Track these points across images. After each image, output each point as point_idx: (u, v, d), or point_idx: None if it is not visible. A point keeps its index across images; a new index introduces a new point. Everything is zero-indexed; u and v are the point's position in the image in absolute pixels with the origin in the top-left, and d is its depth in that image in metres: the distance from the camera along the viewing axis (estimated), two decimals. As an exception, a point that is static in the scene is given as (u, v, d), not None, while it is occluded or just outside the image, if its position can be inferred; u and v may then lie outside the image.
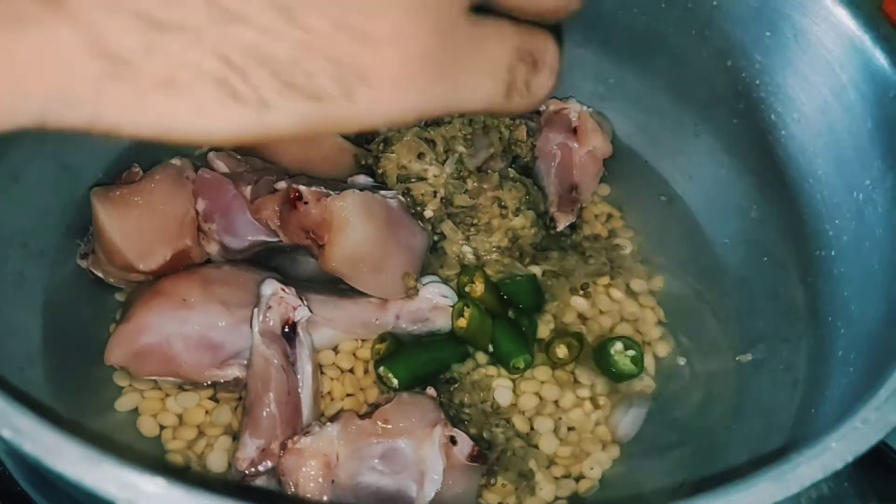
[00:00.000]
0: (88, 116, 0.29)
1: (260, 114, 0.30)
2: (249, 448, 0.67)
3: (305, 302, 0.71)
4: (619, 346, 0.76)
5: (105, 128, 0.29)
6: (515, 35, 0.36)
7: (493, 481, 0.71)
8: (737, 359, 0.79)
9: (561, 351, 0.76)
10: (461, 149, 0.82)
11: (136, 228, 0.73)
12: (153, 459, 0.69)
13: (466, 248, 0.80)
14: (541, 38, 0.37)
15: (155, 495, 0.36)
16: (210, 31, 0.28)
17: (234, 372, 0.71)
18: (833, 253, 0.73)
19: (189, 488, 0.36)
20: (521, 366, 0.76)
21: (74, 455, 0.36)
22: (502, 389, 0.75)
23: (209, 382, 0.72)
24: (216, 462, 0.70)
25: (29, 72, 0.27)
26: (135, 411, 0.72)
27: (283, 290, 0.70)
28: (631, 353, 0.76)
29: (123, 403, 0.72)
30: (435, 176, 0.80)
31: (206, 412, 0.72)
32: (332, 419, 0.68)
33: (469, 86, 0.34)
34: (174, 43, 0.28)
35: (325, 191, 0.73)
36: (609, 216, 0.90)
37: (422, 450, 0.66)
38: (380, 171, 0.82)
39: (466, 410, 0.73)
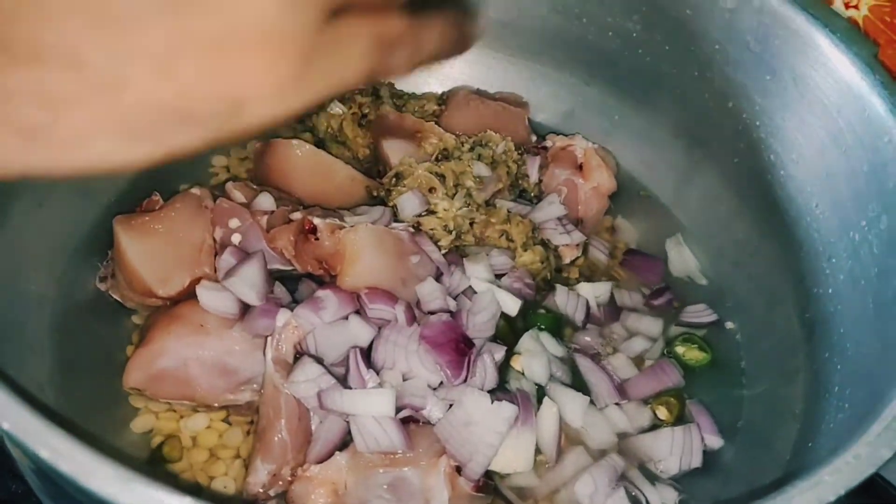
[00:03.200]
0: (19, 170, 0.36)
1: (158, 145, 0.36)
2: (261, 473, 0.69)
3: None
4: (680, 349, 0.82)
5: (35, 175, 0.36)
6: (367, 27, 0.41)
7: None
8: (736, 392, 0.81)
9: (662, 413, 0.79)
10: (470, 183, 0.85)
11: (156, 255, 0.76)
12: (169, 479, 0.70)
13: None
14: (392, 23, 0.42)
15: (184, 515, 0.38)
16: (100, 100, 0.34)
17: (247, 396, 0.73)
18: (830, 291, 0.75)
19: (216, 509, 0.38)
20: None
21: (109, 475, 0.38)
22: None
23: (223, 405, 0.74)
24: (228, 484, 0.71)
25: None
26: (149, 432, 0.74)
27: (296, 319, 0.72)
28: (694, 346, 0.82)
29: (139, 424, 0.74)
30: (445, 210, 0.82)
31: (219, 435, 0.74)
32: (342, 448, 0.69)
33: (336, 78, 0.40)
34: (74, 112, 0.34)
35: (338, 223, 0.76)
36: (613, 247, 0.92)
37: (428, 479, 0.68)
38: (391, 204, 0.84)
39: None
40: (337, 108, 0.94)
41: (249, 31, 0.35)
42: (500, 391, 0.73)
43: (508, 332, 0.80)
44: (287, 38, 0.36)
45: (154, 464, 0.72)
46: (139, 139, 0.36)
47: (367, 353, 0.72)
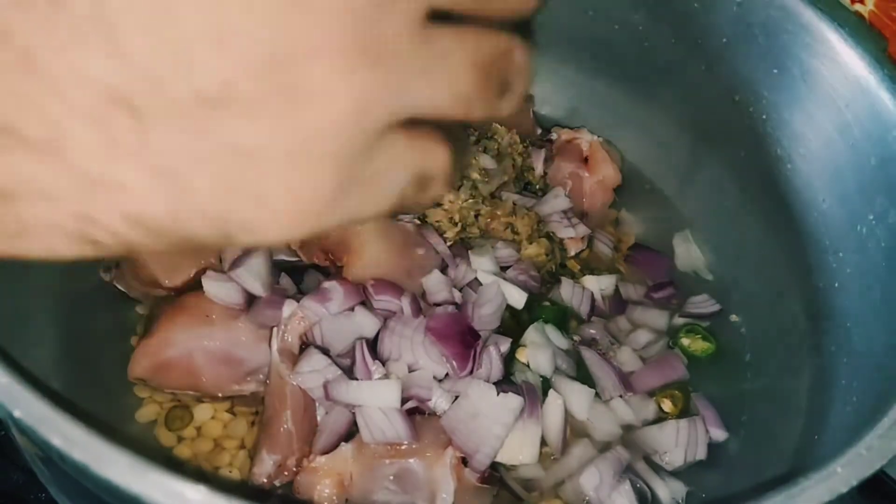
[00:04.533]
0: None
1: (109, 250, 0.29)
2: (266, 463, 0.69)
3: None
4: (685, 340, 0.83)
5: None
6: (413, 156, 0.31)
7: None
8: (741, 386, 0.81)
9: (667, 405, 0.79)
10: (475, 175, 0.85)
11: (161, 245, 0.75)
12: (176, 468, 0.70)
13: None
14: (439, 157, 0.32)
15: (198, 503, 0.38)
16: (73, 199, 0.27)
17: (252, 387, 0.73)
18: (836, 285, 0.75)
19: (230, 497, 0.38)
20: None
21: (123, 463, 0.38)
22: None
23: (227, 395, 0.74)
24: (233, 474, 0.71)
25: None
26: (154, 422, 0.73)
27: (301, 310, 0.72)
28: (698, 336, 0.82)
29: (144, 414, 0.73)
30: (451, 202, 0.82)
31: (224, 425, 0.74)
32: (347, 439, 0.69)
33: (356, 212, 0.30)
34: (29, 208, 0.27)
35: (345, 213, 0.76)
36: (618, 241, 0.92)
37: (433, 470, 0.68)
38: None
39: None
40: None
41: (307, 143, 0.27)
42: (505, 383, 0.73)
43: (513, 324, 0.80)
44: (339, 157, 0.27)
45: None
46: (93, 244, 0.29)
47: (372, 345, 0.72)
